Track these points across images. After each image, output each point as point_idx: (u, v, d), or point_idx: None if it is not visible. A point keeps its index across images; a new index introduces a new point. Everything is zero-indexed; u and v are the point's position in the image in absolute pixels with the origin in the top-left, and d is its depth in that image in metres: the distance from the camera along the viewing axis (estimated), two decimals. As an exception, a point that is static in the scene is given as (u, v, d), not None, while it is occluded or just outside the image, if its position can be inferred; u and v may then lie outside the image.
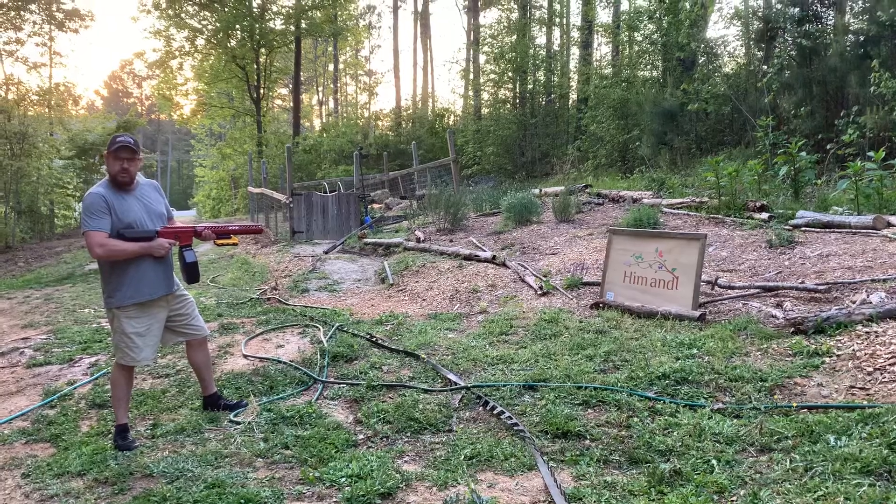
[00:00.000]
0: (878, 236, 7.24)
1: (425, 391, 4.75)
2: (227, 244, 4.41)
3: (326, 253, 12.46)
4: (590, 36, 26.01)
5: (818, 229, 7.96)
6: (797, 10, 15.01)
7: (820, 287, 5.84)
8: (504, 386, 4.67)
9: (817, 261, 6.86)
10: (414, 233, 12.65)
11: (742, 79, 16.80)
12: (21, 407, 4.94)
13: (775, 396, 4.13)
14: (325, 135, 34.49)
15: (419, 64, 43.29)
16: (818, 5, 15.15)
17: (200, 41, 33.02)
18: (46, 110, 29.82)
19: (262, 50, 31.99)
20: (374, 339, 6.21)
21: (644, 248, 6.63)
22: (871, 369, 4.27)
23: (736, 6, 19.50)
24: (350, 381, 5.07)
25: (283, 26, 32.36)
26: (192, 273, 4.24)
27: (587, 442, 3.78)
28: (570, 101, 26.00)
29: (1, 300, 10.36)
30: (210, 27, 31.89)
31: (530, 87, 26.51)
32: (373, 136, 32.80)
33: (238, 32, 31.39)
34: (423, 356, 5.54)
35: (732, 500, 3.01)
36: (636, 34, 21.69)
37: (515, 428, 3.96)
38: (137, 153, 4.04)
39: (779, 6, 16.51)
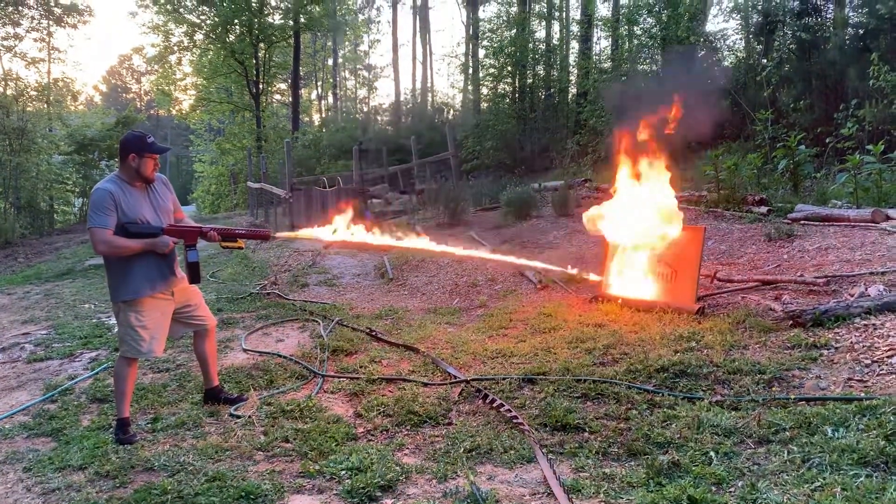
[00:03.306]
0: (876, 229, 7.25)
1: (425, 385, 4.77)
2: (233, 247, 4.39)
3: (326, 248, 12.45)
4: (589, 30, 25.91)
5: (817, 223, 7.96)
6: (797, 3, 14.98)
7: (818, 280, 5.85)
8: (503, 379, 4.69)
9: (816, 254, 6.87)
10: (414, 227, 12.66)
11: (741, 72, 16.76)
12: (22, 401, 4.95)
13: (773, 389, 4.15)
14: (324, 130, 34.43)
15: (418, 58, 43.12)
16: (818, -2, 15.13)
17: (199, 36, 32.96)
18: (45, 106, 29.73)
19: (261, 45, 31.92)
20: (373, 333, 6.22)
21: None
22: (868, 362, 4.28)
23: (736, -1, 19.41)
24: (350, 375, 5.09)
25: (282, 21, 32.29)
26: (194, 273, 4.24)
27: (586, 434, 3.80)
28: (570, 96, 25.91)
29: (1, 296, 10.36)
30: (209, 22, 31.80)
31: (530, 81, 26.42)
32: (372, 131, 32.73)
33: (237, 27, 31.31)
34: (422, 350, 5.56)
35: (730, 492, 3.02)
36: (636, 28, 21.62)
37: (514, 421, 3.98)
38: None
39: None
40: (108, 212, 3.90)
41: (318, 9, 31.93)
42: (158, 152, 4.10)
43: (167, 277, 4.16)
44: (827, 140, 11.55)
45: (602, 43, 28.42)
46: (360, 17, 46.34)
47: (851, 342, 4.59)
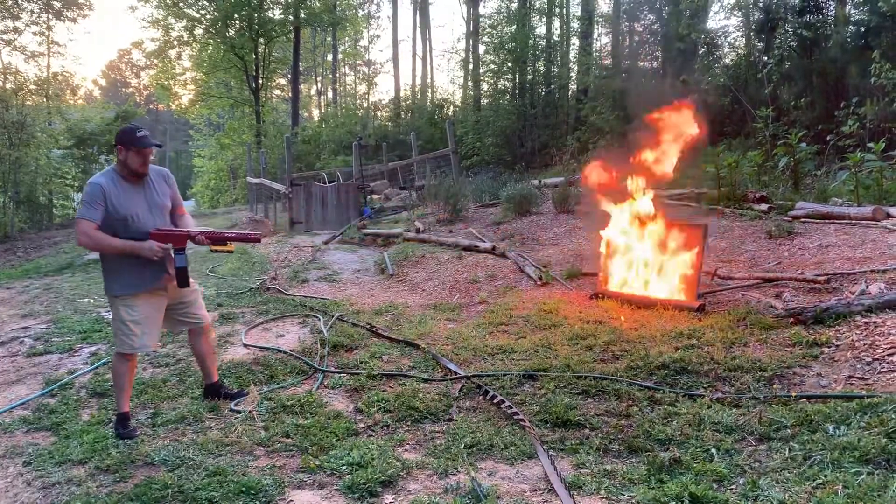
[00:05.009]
0: (877, 227, 7.25)
1: (425, 380, 4.76)
2: (223, 251, 4.23)
3: (326, 243, 12.46)
4: (590, 26, 25.86)
5: (818, 220, 7.96)
6: (798, 0, 14.97)
7: (819, 278, 5.85)
8: (504, 375, 4.69)
9: (817, 251, 6.87)
10: (413, 223, 12.64)
11: (742, 70, 16.74)
12: (22, 396, 4.94)
13: (774, 386, 4.14)
14: (324, 125, 34.37)
15: (418, 54, 42.99)
16: (819, -4, 15.12)
17: (199, 31, 32.88)
18: (44, 100, 29.67)
19: (261, 40, 31.86)
20: (373, 329, 6.21)
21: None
22: (869, 359, 4.28)
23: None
24: (350, 371, 5.08)
25: (282, 16, 32.22)
26: (181, 278, 4.10)
27: (587, 431, 3.80)
28: (570, 92, 25.87)
29: (0, 290, 10.35)
30: (208, 16, 31.74)
31: (530, 77, 26.38)
32: (372, 126, 32.68)
33: (237, 22, 31.25)
34: (422, 346, 5.55)
35: (732, 489, 3.03)
36: (636, 24, 21.61)
37: (515, 417, 3.97)
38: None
39: (780, -4, 16.46)
40: (96, 205, 3.85)
41: (318, 4, 31.87)
42: (144, 146, 3.96)
43: (158, 276, 4.07)
44: (828, 138, 11.55)
45: (603, 39, 28.37)
46: (361, 12, 46.22)
47: (852, 340, 4.59)
